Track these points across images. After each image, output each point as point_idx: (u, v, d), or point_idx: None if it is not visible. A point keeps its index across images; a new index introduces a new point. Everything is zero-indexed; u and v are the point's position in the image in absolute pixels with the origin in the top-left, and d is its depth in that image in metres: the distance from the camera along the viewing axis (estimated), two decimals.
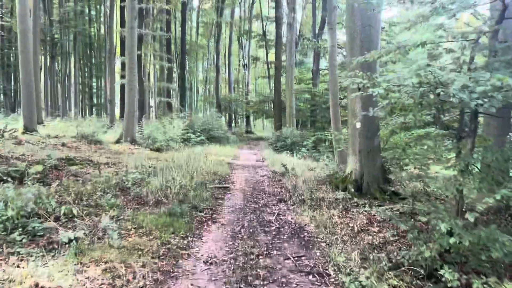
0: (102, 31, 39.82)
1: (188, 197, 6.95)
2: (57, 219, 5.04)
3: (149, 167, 10.48)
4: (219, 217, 6.10)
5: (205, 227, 5.53)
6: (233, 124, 42.20)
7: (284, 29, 30.36)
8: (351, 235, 5.20)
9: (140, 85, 23.59)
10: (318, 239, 5.04)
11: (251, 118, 44.81)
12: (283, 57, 30.38)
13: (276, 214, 6.38)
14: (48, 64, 39.01)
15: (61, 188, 6.74)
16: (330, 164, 14.41)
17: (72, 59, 41.00)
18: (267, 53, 38.60)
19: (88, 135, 16.66)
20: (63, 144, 14.34)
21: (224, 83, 47.87)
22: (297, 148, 19.84)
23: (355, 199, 7.68)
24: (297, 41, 32.39)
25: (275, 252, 4.53)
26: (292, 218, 6.12)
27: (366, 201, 7.53)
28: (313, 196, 7.44)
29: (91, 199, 6.29)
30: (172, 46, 38.15)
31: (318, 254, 4.48)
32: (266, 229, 5.50)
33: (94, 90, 49.26)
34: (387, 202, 8.00)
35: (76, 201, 6.03)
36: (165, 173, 9.20)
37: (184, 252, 4.36)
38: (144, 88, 27.49)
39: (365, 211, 6.76)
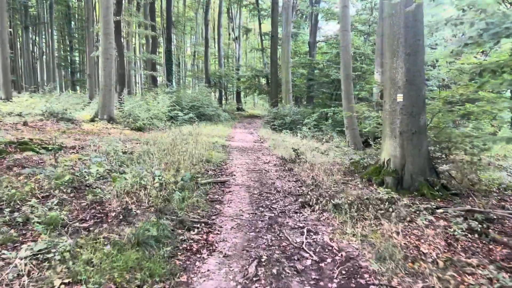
0: (83, 2, 36.26)
1: (171, 203, 4.71)
2: None
3: (124, 152, 8.22)
4: (219, 240, 3.88)
5: (197, 263, 3.30)
6: (223, 101, 39.65)
7: None
8: (439, 274, 3.10)
9: (120, 56, 20.93)
10: None
11: (242, 94, 42.25)
12: (279, 29, 27.83)
13: (304, 230, 4.21)
14: (25, 36, 35.76)
15: None
16: (342, 146, 12.35)
17: (49, 30, 37.54)
18: (260, 23, 35.62)
19: (58, 112, 14.26)
20: (25, 123, 11.99)
21: (214, 58, 44.97)
22: (298, 127, 17.70)
23: (404, 200, 5.57)
24: (292, 11, 29.66)
25: None
26: (331, 240, 3.94)
27: (421, 203, 5.43)
28: (349, 198, 5.26)
29: (20, 210, 4.07)
30: (158, 19, 35.08)
31: None
32: (298, 265, 3.32)
33: (77, 65, 45.99)
34: (438, 200, 5.98)
35: None
36: (143, 161, 6.98)
37: None
38: (125, 60, 24.72)
39: (428, 220, 4.66)
